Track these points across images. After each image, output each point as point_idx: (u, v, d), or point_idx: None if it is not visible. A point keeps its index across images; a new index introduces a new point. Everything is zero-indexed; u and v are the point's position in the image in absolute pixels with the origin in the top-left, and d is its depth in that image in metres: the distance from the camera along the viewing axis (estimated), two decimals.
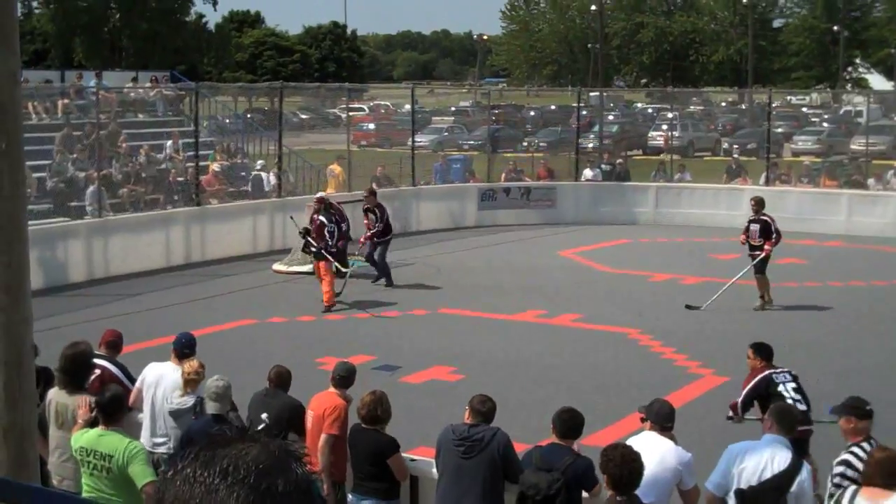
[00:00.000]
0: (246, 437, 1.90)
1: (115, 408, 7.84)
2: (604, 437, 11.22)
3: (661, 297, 19.88)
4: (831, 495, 7.00)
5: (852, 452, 7.32)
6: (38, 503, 4.06)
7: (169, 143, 26.85)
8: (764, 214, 19.05)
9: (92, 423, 7.92)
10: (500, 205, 29.62)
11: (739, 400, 10.34)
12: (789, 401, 9.81)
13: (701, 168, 36.31)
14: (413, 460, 8.68)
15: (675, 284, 21.17)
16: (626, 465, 6.69)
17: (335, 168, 28.05)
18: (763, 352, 10.64)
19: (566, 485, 7.31)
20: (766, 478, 7.14)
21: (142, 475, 7.68)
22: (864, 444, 7.30)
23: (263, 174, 27.37)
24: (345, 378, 9.04)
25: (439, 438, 8.08)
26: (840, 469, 7.31)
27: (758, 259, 18.94)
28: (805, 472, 7.17)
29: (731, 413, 10.52)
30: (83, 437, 7.81)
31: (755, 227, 19.06)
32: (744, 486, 7.17)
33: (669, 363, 15.23)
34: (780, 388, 10.25)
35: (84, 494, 7.67)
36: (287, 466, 1.86)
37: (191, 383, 9.13)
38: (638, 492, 7.26)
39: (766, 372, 10.39)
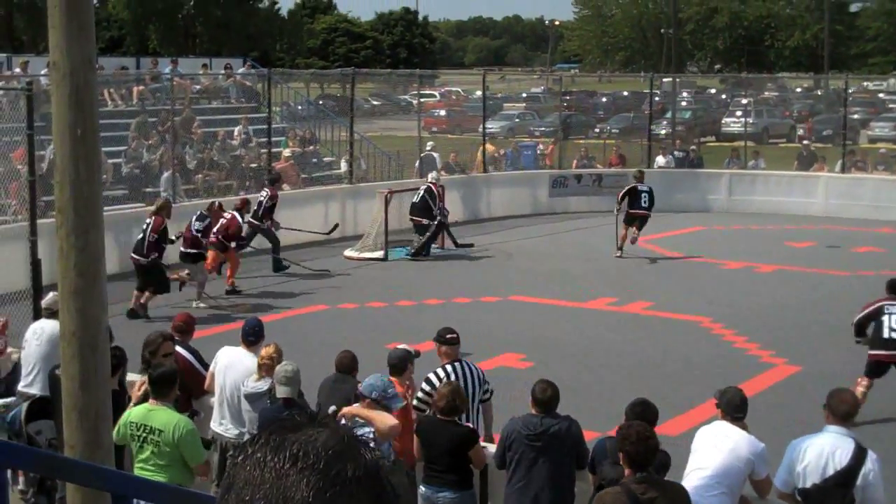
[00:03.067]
0: (315, 422, 1.91)
1: (166, 383, 7.94)
2: (674, 425, 11.18)
3: (734, 286, 19.68)
4: None
5: None
6: (115, 486, 4.10)
7: (237, 128, 27.02)
8: None
9: (144, 399, 8.04)
10: (572, 191, 29.50)
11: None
12: (885, 330, 11.67)
13: (776, 155, 35.93)
14: (484, 448, 8.67)
15: (748, 272, 20.96)
16: (641, 443, 6.61)
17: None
18: (890, 287, 12.35)
19: None
20: (829, 475, 7.02)
21: (195, 455, 7.79)
22: None
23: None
24: (395, 367, 8.97)
25: (507, 430, 8.06)
26: None
27: None
28: (871, 463, 7.02)
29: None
30: (133, 412, 7.91)
31: None
32: (807, 484, 7.06)
33: (742, 352, 15.08)
34: (885, 317, 11.93)
35: (134, 470, 7.75)
36: (356, 452, 1.88)
37: (265, 368, 9.19)
38: (711, 480, 7.21)
39: (882, 302, 12.11)
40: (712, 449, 7.39)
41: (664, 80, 52.73)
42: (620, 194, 23.19)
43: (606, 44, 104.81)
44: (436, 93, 64.51)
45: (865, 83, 79.26)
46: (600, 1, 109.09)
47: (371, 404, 7.78)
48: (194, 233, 18.13)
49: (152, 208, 17.79)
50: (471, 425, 8.64)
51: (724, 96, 61.19)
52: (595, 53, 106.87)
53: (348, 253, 22.51)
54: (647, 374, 13.90)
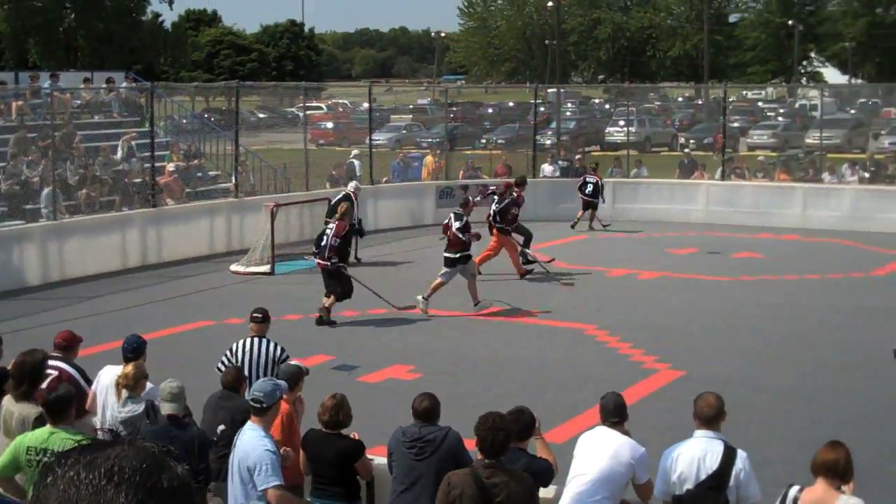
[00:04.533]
0: (119, 441, 1.98)
1: (63, 406, 7.80)
2: (562, 433, 11.29)
3: (618, 293, 19.98)
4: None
5: None
6: None
7: (120, 143, 26.62)
8: None
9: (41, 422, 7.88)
10: (459, 202, 29.57)
11: None
12: None
13: (658, 163, 36.59)
14: (371, 460, 8.68)
15: (631, 280, 21.30)
16: (491, 431, 6.72)
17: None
18: None
19: None
20: (702, 479, 7.15)
21: None
22: None
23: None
24: (287, 381, 8.95)
25: (390, 440, 8.09)
26: None
27: None
28: (741, 462, 7.16)
29: None
30: (30, 437, 7.75)
31: None
32: (682, 491, 7.19)
33: (626, 358, 15.32)
34: None
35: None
36: (168, 465, 1.95)
37: (123, 387, 9.02)
38: (592, 486, 7.31)
39: None
40: (593, 454, 7.47)
41: (549, 90, 53.33)
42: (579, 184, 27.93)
43: (492, 55, 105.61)
44: (323, 105, 64.39)
45: (745, 92, 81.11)
46: (486, 13, 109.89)
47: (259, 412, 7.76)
48: (456, 233, 18.31)
49: (337, 215, 18.24)
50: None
51: (607, 106, 62.14)
52: (481, 65, 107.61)
53: (234, 268, 22.34)
54: (533, 382, 14.04)
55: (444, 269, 18.34)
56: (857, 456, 6.91)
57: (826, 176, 30.38)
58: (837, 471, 6.54)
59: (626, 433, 7.69)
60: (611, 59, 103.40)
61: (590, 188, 27.76)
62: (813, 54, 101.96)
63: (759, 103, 70.60)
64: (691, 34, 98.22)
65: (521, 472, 6.87)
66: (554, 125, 41.15)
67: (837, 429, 11.32)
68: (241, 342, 10.90)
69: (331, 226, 17.93)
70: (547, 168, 31.81)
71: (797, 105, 62.20)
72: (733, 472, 7.14)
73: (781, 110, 61.87)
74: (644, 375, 14.36)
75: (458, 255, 18.27)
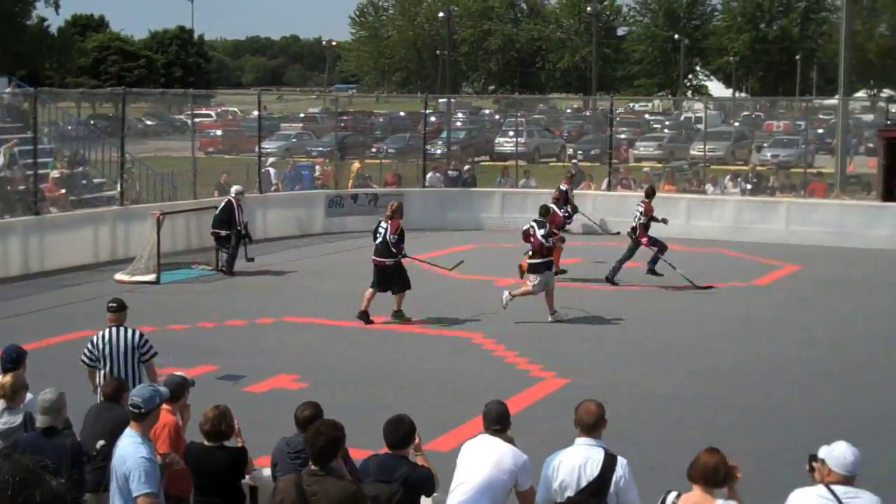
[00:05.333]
0: None
1: None
2: (447, 441, 11.35)
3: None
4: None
5: None
6: None
7: (2, 150, 26.03)
8: None
9: None
10: (348, 211, 29.64)
11: None
12: None
13: (546, 173, 36.95)
14: (254, 469, 8.63)
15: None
16: (313, 437, 6.81)
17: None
18: None
19: (406, 495, 7.34)
20: (583, 486, 7.23)
21: None
22: None
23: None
24: (171, 393, 8.84)
25: (274, 451, 8.05)
26: None
27: None
28: (621, 469, 7.24)
29: None
30: None
31: None
32: (563, 499, 7.26)
33: (512, 366, 15.45)
34: None
35: None
36: (42, 479, 1.92)
37: (5, 399, 8.84)
38: (475, 494, 7.34)
39: None
40: (476, 462, 7.51)
41: (440, 100, 53.46)
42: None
43: (383, 64, 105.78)
44: (212, 113, 63.76)
45: (632, 104, 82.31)
46: (377, 22, 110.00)
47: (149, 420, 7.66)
48: (542, 240, 18.49)
49: (387, 213, 18.65)
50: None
51: (497, 116, 62.58)
52: (372, 74, 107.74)
53: (119, 276, 22.00)
54: (419, 391, 14.08)
55: (533, 277, 18.55)
56: (733, 459, 7.06)
57: (709, 187, 31.00)
58: (713, 477, 6.66)
59: (509, 441, 7.73)
60: (501, 70, 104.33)
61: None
62: (698, 68, 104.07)
63: (646, 115, 71.70)
64: (580, 46, 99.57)
65: (345, 482, 6.89)
66: (444, 135, 41.28)
67: (716, 435, 11.54)
68: (100, 333, 11.00)
69: (384, 225, 18.44)
70: (432, 177, 31.92)
71: (682, 117, 63.37)
72: (613, 479, 7.21)
73: (667, 122, 62.96)
74: (530, 383, 14.49)
75: (543, 261, 18.55)
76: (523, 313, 18.51)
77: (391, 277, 18.29)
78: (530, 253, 18.69)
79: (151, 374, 10.92)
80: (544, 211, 19.65)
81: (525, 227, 19.22)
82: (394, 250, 18.14)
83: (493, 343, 16.72)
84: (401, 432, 7.49)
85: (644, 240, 21.71)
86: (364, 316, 18.20)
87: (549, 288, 18.60)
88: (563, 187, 25.44)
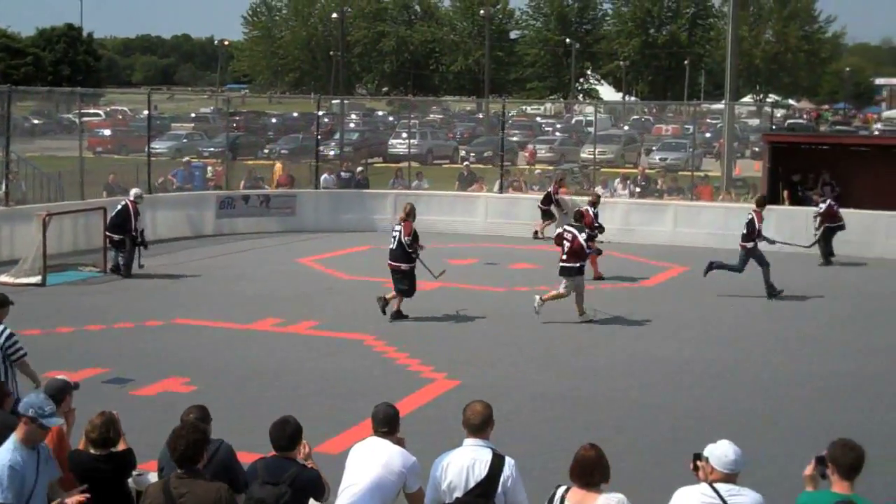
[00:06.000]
0: None
1: None
2: (337, 443, 11.34)
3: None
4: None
5: None
6: None
7: None
8: None
9: None
10: (239, 213, 29.42)
11: None
12: None
13: (439, 175, 37.11)
14: (140, 474, 8.52)
15: None
16: (174, 440, 6.83)
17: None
18: None
19: (294, 497, 7.32)
20: (471, 487, 7.28)
21: None
22: None
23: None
24: (53, 397, 8.68)
25: (160, 454, 7.96)
26: None
27: None
28: (508, 469, 7.30)
29: None
30: None
31: None
32: (451, 500, 7.30)
33: (403, 368, 15.48)
34: None
35: None
36: None
37: None
38: (364, 496, 7.36)
39: None
40: (364, 464, 7.52)
41: (333, 101, 53.31)
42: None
43: (276, 65, 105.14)
44: (101, 112, 62.68)
45: (524, 107, 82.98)
46: (270, 22, 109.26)
47: (28, 422, 7.50)
48: (582, 242, 18.60)
49: (401, 215, 18.90)
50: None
51: (391, 118, 62.62)
52: (265, 74, 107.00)
53: (3, 279, 21.51)
54: (310, 393, 14.04)
55: (566, 280, 18.73)
56: (619, 458, 7.17)
57: (599, 189, 31.39)
58: (591, 473, 6.75)
59: (399, 443, 7.76)
60: (395, 72, 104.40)
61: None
62: (589, 72, 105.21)
63: (538, 118, 72.32)
64: (473, 49, 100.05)
65: (214, 483, 6.88)
66: (337, 136, 41.19)
67: (601, 433, 11.72)
68: None
69: (397, 227, 18.78)
70: (326, 179, 31.85)
71: (574, 121, 64.06)
72: (501, 480, 7.25)
73: (558, 125, 63.61)
74: (421, 385, 14.53)
75: (578, 265, 18.69)
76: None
77: (401, 280, 18.69)
78: (564, 257, 18.73)
79: (29, 375, 10.75)
80: (579, 216, 19.86)
81: (559, 231, 19.38)
82: (409, 251, 18.56)
83: (384, 345, 16.74)
84: (286, 433, 7.47)
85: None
86: (399, 315, 18.68)
87: (580, 290, 18.79)
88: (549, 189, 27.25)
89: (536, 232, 28.87)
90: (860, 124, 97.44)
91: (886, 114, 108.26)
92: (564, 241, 18.78)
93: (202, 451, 6.92)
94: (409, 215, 18.83)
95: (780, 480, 10.05)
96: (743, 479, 6.87)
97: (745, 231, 21.53)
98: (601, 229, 23.36)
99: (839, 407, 13.87)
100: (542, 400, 13.99)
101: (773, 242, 22.12)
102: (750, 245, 21.39)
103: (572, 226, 19.12)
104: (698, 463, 6.95)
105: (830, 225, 25.62)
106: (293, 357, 16.10)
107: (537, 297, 18.75)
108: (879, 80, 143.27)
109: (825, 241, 25.70)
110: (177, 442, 6.84)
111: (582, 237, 18.71)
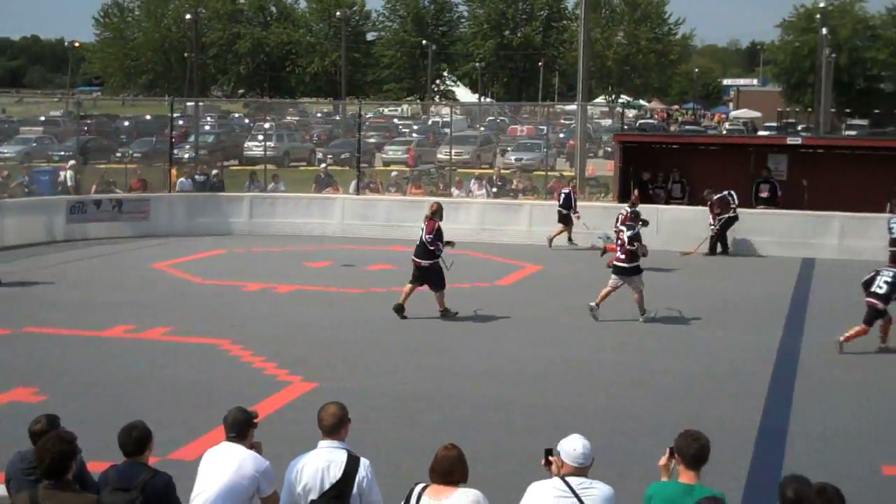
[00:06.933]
0: None
1: None
2: (193, 450, 11.21)
3: (253, 307, 20.02)
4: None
5: None
6: None
7: None
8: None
9: None
10: (91, 218, 28.80)
11: None
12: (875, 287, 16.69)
13: (295, 177, 36.96)
14: None
15: (267, 293, 21.39)
16: (39, 452, 6.80)
17: None
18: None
19: (145, 503, 7.23)
20: (326, 489, 7.29)
21: None
22: None
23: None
24: None
25: (8, 465, 7.78)
26: None
27: None
28: (363, 470, 7.33)
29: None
30: None
31: None
32: (307, 502, 7.30)
33: (259, 372, 15.37)
34: (878, 278, 16.75)
35: None
36: None
37: None
38: (216, 501, 7.30)
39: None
40: (216, 470, 7.46)
41: (188, 103, 52.63)
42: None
43: (129, 67, 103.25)
44: None
45: (381, 109, 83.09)
46: (122, 23, 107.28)
47: None
48: (628, 244, 18.78)
49: (427, 213, 19.20)
50: None
51: (247, 121, 62.12)
52: (118, 76, 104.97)
53: None
54: (165, 399, 13.83)
55: (615, 278, 19.03)
56: (477, 457, 7.23)
57: (454, 190, 31.65)
58: (450, 472, 6.82)
59: (254, 447, 7.72)
60: (251, 74, 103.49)
61: (562, 199, 27.84)
62: (445, 73, 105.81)
63: (395, 120, 72.50)
64: (330, 51, 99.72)
65: (83, 494, 6.80)
66: (192, 139, 40.68)
67: (459, 433, 11.83)
68: None
69: (422, 225, 19.03)
70: (181, 182, 31.45)
71: (430, 122, 64.43)
72: (356, 480, 7.27)
73: (415, 127, 63.89)
74: (277, 388, 14.45)
75: (632, 265, 18.87)
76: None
77: (428, 276, 19.04)
78: (622, 257, 18.96)
79: None
80: (634, 216, 20.06)
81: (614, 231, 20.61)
82: (431, 248, 18.80)
83: (239, 349, 16.57)
84: (132, 438, 7.37)
85: None
86: (400, 309, 18.88)
87: (639, 289, 18.99)
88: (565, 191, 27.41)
89: (551, 240, 28.08)
90: (710, 124, 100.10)
91: (734, 113, 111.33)
92: (619, 241, 19.33)
93: (70, 462, 6.80)
94: (435, 214, 19.18)
95: (631, 473, 10.28)
96: (595, 472, 7.03)
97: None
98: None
99: (691, 401, 14.21)
100: (399, 400, 14.03)
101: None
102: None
103: (625, 225, 19.47)
104: (550, 458, 7.07)
105: (725, 216, 26.51)
106: (146, 363, 15.85)
107: (591, 303, 19.04)
108: (727, 81, 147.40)
109: (722, 233, 26.56)
110: (43, 455, 6.72)
111: (626, 235, 19.00)
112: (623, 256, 18.95)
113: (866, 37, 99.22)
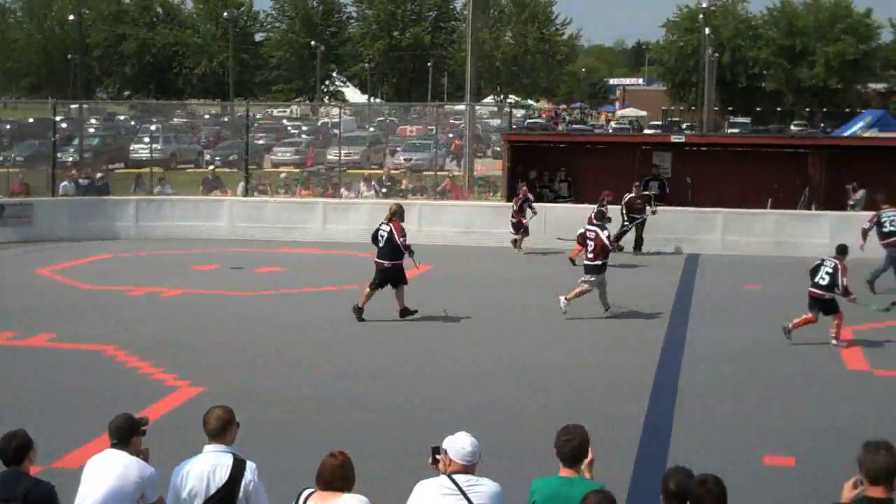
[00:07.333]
0: None
1: None
2: (78, 457, 11.02)
3: (139, 312, 19.75)
4: None
5: None
6: None
7: None
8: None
9: None
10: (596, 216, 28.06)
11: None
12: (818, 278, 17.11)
13: (183, 180, 36.56)
14: None
15: (154, 298, 21.13)
16: None
17: None
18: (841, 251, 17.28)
19: None
20: (212, 493, 7.24)
21: None
22: None
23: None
24: None
25: None
26: None
27: None
28: (250, 474, 7.30)
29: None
30: None
31: None
32: None
33: (146, 377, 15.16)
34: (821, 268, 17.14)
35: None
36: None
37: None
38: None
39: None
40: (100, 477, 7.37)
41: (72, 106, 51.64)
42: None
43: (11, 69, 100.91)
44: None
45: (270, 110, 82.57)
46: (3, 25, 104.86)
47: None
48: (606, 242, 19.09)
49: (387, 215, 18.88)
50: None
51: (133, 123, 61.20)
52: None
53: None
54: (48, 407, 13.58)
55: (588, 277, 19.22)
56: (365, 459, 7.23)
57: (344, 191, 31.60)
58: (332, 479, 6.80)
59: (140, 453, 7.63)
60: (137, 75, 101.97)
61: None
62: (335, 74, 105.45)
63: (284, 121, 72.10)
64: (218, 52, 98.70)
65: None
66: (76, 142, 39.97)
67: (349, 437, 11.85)
68: None
69: (385, 227, 18.78)
70: (65, 186, 30.86)
71: (320, 123, 64.15)
72: (242, 484, 7.24)
73: (305, 128, 63.57)
74: (164, 394, 14.28)
75: (602, 263, 19.22)
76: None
77: (389, 276, 18.92)
78: (591, 256, 19.21)
79: None
80: (600, 215, 20.06)
81: (580, 231, 20.25)
82: (404, 251, 18.75)
83: (125, 355, 16.32)
84: (12, 446, 7.26)
85: None
86: (359, 312, 18.78)
87: (603, 286, 19.28)
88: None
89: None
90: (596, 123, 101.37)
91: (620, 112, 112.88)
92: (588, 241, 19.38)
93: None
94: (395, 214, 18.95)
95: (520, 469, 10.37)
96: (483, 470, 7.08)
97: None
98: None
99: (578, 395, 14.39)
100: (290, 403, 13.96)
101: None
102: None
103: (595, 224, 19.59)
104: (437, 456, 7.10)
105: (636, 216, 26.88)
106: (29, 371, 15.54)
107: (562, 297, 19.16)
108: (613, 81, 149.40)
109: (640, 230, 27.09)
110: None
111: (604, 235, 19.23)
112: (592, 255, 19.32)
113: (748, 36, 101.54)
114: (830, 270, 17.00)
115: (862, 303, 17.82)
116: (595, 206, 21.74)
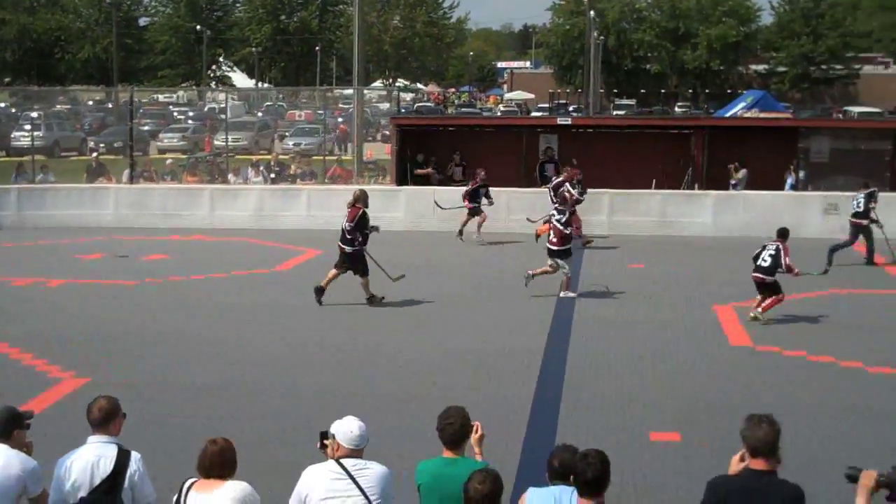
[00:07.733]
0: None
1: None
2: None
3: (22, 303, 19.36)
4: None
5: None
6: None
7: None
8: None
9: None
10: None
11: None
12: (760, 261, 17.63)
13: (66, 168, 35.92)
14: None
15: (38, 288, 20.74)
16: None
17: None
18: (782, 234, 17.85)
19: None
20: (97, 484, 7.17)
21: None
22: None
23: None
24: None
25: None
26: None
27: None
28: (135, 464, 7.24)
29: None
30: None
31: None
32: (77, 499, 7.16)
33: (30, 369, 14.89)
34: (763, 252, 17.58)
35: None
36: None
37: None
38: None
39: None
40: None
41: None
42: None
43: None
44: None
45: (156, 95, 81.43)
46: None
47: None
48: (560, 228, 19.54)
49: (350, 200, 19.08)
50: None
51: (13, 110, 59.88)
52: None
53: None
54: None
55: (552, 261, 19.65)
56: (257, 446, 7.20)
57: (231, 177, 31.31)
58: (211, 466, 6.78)
59: (23, 446, 7.52)
60: (17, 61, 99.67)
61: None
62: (222, 59, 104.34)
63: (170, 107, 71.16)
64: (101, 37, 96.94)
65: None
66: None
67: (238, 424, 11.79)
68: None
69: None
70: None
71: (207, 108, 63.39)
72: (127, 475, 7.19)
73: (191, 113, 62.80)
74: (48, 385, 14.04)
75: (565, 248, 19.71)
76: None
77: (351, 262, 18.93)
78: (554, 240, 19.62)
79: None
80: (562, 199, 21.07)
81: (546, 218, 21.16)
82: (349, 237, 18.72)
83: (7, 346, 16.00)
84: None
85: None
86: (320, 292, 18.85)
87: (567, 270, 19.69)
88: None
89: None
90: (484, 106, 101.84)
91: (508, 95, 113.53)
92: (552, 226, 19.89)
93: None
94: (358, 200, 18.98)
95: (409, 453, 10.42)
96: (372, 454, 7.11)
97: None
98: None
99: (466, 377, 14.48)
100: (181, 391, 13.83)
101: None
102: None
103: (557, 210, 20.04)
104: (325, 441, 7.12)
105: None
106: None
107: (529, 271, 19.71)
108: (501, 64, 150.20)
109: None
110: None
111: (556, 218, 19.71)
112: (555, 239, 19.67)
113: (633, 19, 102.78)
114: (773, 252, 17.56)
115: (805, 272, 18.69)
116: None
